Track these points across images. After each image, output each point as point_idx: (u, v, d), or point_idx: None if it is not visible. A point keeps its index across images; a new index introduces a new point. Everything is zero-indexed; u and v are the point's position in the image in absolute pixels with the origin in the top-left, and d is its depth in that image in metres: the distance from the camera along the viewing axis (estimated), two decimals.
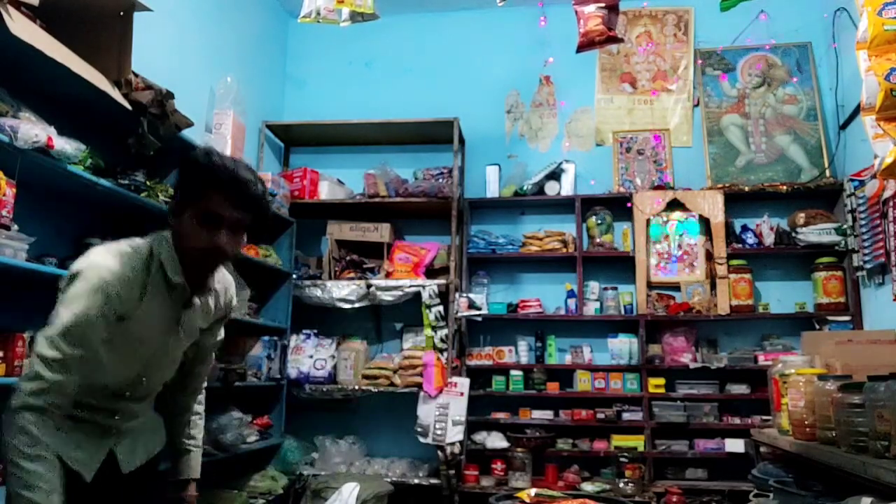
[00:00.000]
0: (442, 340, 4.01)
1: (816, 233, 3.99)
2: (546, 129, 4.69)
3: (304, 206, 4.29)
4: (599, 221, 4.31)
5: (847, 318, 3.88)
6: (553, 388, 4.08)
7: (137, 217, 2.86)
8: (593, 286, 4.26)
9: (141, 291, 1.53)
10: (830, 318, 3.93)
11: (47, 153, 2.15)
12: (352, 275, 4.23)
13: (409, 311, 4.22)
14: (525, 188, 4.39)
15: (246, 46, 4.40)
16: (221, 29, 4.04)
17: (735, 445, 3.78)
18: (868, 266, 3.65)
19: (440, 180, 4.32)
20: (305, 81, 4.99)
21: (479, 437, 4.06)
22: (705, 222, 4.22)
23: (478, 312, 4.14)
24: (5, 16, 1.91)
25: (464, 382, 3.97)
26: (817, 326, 3.96)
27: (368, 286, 4.12)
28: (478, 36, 4.81)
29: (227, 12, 4.11)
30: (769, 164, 4.34)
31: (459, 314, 4.11)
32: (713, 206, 4.17)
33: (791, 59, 4.47)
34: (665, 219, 4.30)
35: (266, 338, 3.86)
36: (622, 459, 3.77)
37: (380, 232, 4.34)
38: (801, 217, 4.06)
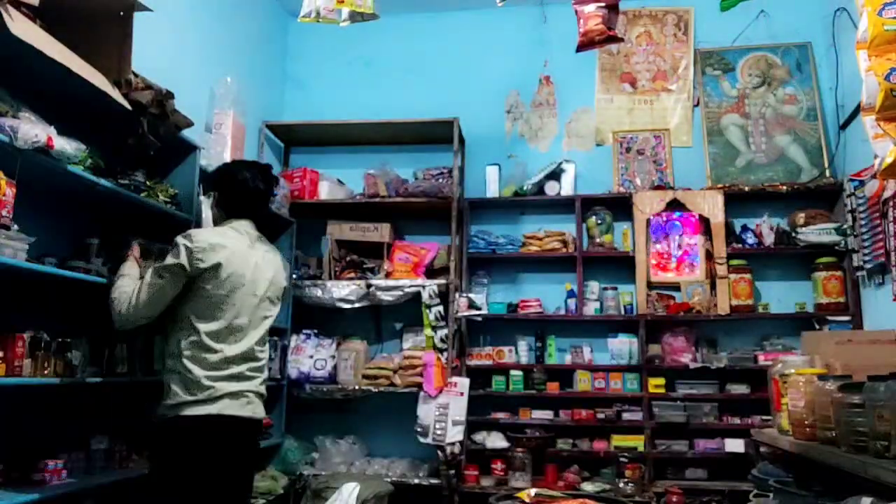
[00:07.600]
0: (442, 340, 4.01)
1: (816, 233, 3.99)
2: (546, 129, 4.69)
3: (304, 206, 4.29)
4: (599, 221, 4.31)
5: (847, 318, 3.88)
6: (553, 388, 4.08)
7: (137, 217, 2.87)
8: (593, 286, 4.26)
9: None
10: (830, 318, 3.93)
11: (47, 153, 2.14)
12: (352, 275, 4.23)
13: (409, 311, 4.22)
14: (525, 188, 4.39)
15: (246, 46, 4.40)
16: (221, 29, 4.04)
17: (735, 445, 3.78)
18: (868, 266, 3.65)
19: (440, 180, 4.31)
20: (305, 81, 4.98)
21: (479, 437, 4.06)
22: (705, 222, 4.22)
23: (478, 312, 4.14)
24: (5, 16, 1.91)
25: (464, 382, 3.97)
26: (817, 326, 3.96)
27: (368, 286, 4.12)
28: (478, 36, 4.80)
29: (227, 12, 4.11)
30: (769, 164, 4.34)
31: (459, 314, 4.11)
32: (713, 206, 4.17)
33: (791, 59, 4.47)
34: (665, 219, 4.29)
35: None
36: (622, 459, 3.77)
37: (380, 232, 4.34)
38: (801, 217, 4.06)
